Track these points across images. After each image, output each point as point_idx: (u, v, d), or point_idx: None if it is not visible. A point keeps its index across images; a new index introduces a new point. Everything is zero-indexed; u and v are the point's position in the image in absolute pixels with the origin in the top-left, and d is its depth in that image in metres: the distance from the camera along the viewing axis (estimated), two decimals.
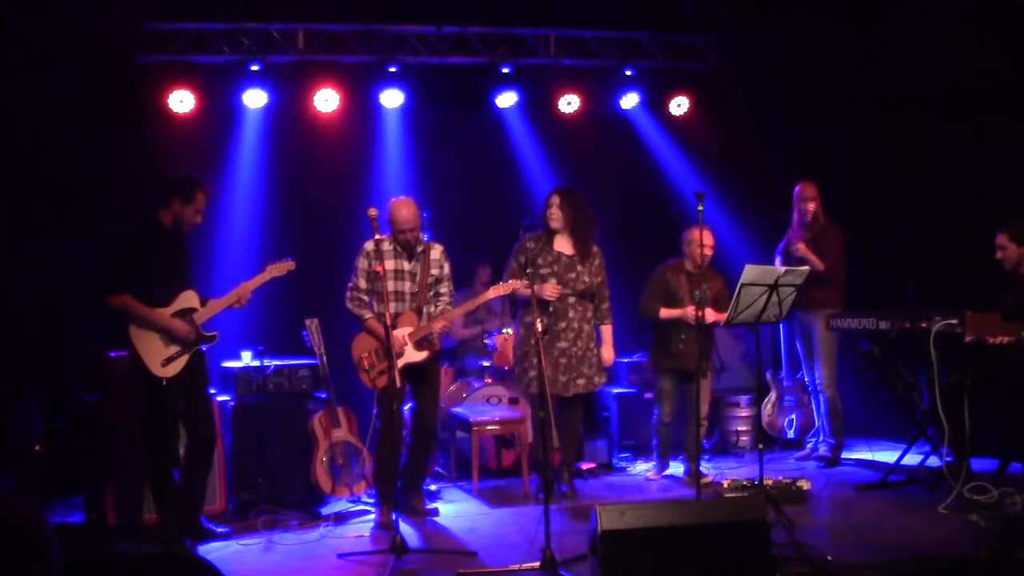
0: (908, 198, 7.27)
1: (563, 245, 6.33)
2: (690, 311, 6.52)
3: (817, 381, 7.14)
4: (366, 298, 5.88)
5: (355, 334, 5.91)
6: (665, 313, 6.64)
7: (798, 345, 7.31)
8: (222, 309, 5.45)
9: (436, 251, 5.98)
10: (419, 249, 5.91)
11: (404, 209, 5.79)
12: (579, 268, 6.29)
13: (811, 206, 7.09)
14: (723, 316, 6.34)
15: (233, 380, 6.28)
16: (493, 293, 5.98)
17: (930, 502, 5.75)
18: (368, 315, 5.86)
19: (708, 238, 6.60)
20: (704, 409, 6.60)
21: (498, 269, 6.92)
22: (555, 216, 6.27)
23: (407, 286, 5.88)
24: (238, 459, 6.20)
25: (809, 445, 7.42)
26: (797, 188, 7.20)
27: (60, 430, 6.24)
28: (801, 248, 6.91)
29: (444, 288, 5.98)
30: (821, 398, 7.17)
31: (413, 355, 5.80)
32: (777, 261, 7.28)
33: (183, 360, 5.30)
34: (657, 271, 6.78)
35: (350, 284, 5.88)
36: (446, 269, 5.99)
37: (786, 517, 5.14)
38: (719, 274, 6.77)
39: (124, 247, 5.36)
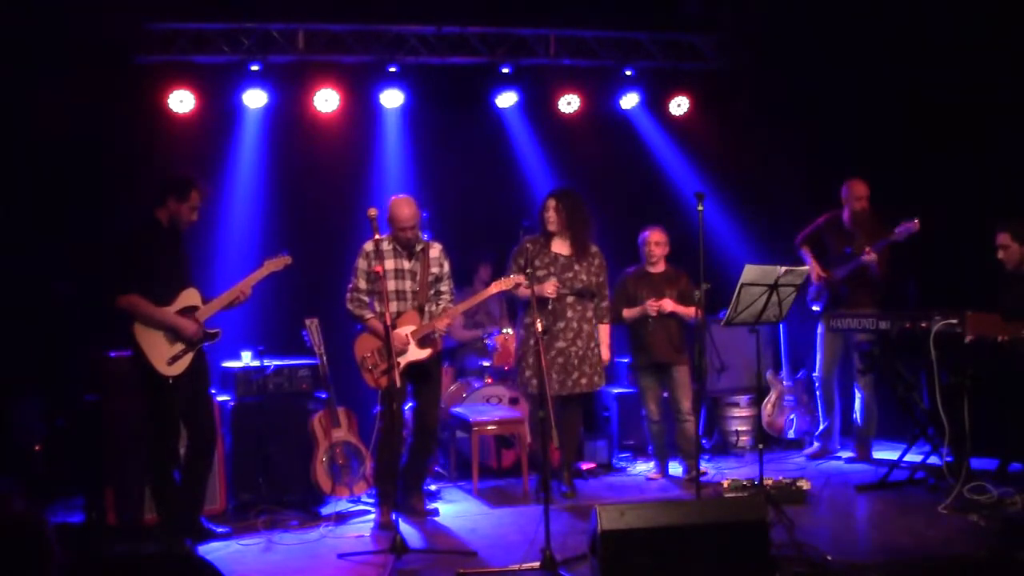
0: (908, 198, 7.26)
1: (560, 246, 6.33)
2: (650, 304, 6.64)
3: (856, 381, 7.13)
4: (366, 299, 5.89)
5: (356, 334, 5.92)
6: (627, 313, 6.75)
7: (822, 338, 7.25)
8: (223, 306, 5.45)
9: (435, 250, 5.98)
10: (418, 248, 5.92)
11: (404, 207, 5.80)
12: (576, 268, 6.30)
13: (863, 205, 7.05)
14: (688, 310, 6.53)
15: (233, 380, 6.28)
16: (495, 288, 5.98)
17: (930, 502, 5.75)
18: (369, 315, 5.87)
19: (658, 235, 6.81)
20: (687, 404, 6.63)
21: (499, 269, 6.93)
22: (552, 220, 6.28)
23: (408, 285, 5.89)
24: (238, 459, 6.20)
25: (816, 444, 7.40)
26: (845, 187, 7.14)
27: (60, 430, 6.23)
28: (874, 258, 6.81)
29: (445, 287, 5.99)
30: (858, 396, 7.15)
31: (416, 353, 5.80)
32: (804, 253, 7.24)
33: (188, 358, 5.29)
34: (620, 280, 6.87)
35: (350, 285, 5.89)
36: (446, 268, 6.00)
37: (786, 517, 5.14)
38: (683, 272, 6.82)
39: (124, 247, 5.36)
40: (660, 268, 6.83)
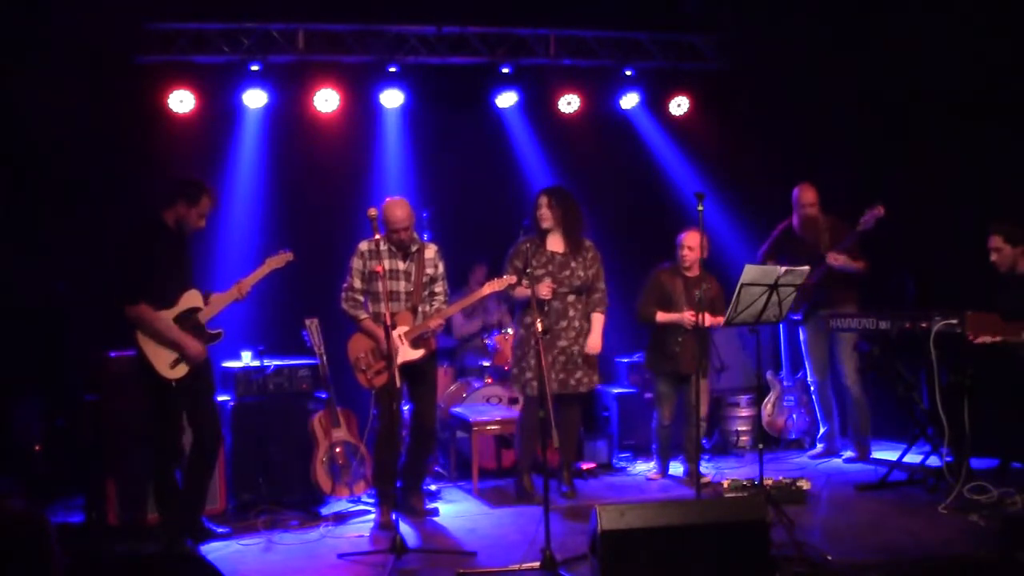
0: (908, 198, 7.27)
1: (555, 244, 6.33)
2: (687, 315, 6.51)
3: (843, 380, 7.14)
4: (361, 298, 5.90)
5: (353, 334, 5.92)
6: (662, 317, 6.63)
7: (806, 344, 7.27)
8: (225, 306, 5.45)
9: (430, 251, 5.99)
10: (414, 249, 5.92)
11: (398, 209, 5.80)
12: (572, 265, 6.29)
13: (813, 211, 7.07)
14: (720, 319, 6.35)
15: (233, 380, 6.28)
16: (488, 289, 5.98)
17: (930, 502, 5.75)
18: (363, 316, 5.88)
19: (692, 239, 6.61)
20: (703, 411, 6.59)
21: (493, 269, 6.92)
22: (545, 216, 6.28)
23: (402, 285, 5.89)
24: (238, 459, 6.20)
25: (821, 446, 7.39)
26: (796, 191, 7.15)
27: (60, 430, 6.24)
28: (840, 260, 6.84)
29: (439, 288, 6.00)
30: (846, 396, 7.17)
31: (409, 354, 5.81)
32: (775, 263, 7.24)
33: None
34: (652, 275, 6.78)
35: (345, 285, 5.90)
36: (440, 268, 6.00)
37: (786, 517, 5.14)
38: (714, 277, 6.74)
39: (129, 251, 5.32)
40: (695, 272, 6.63)
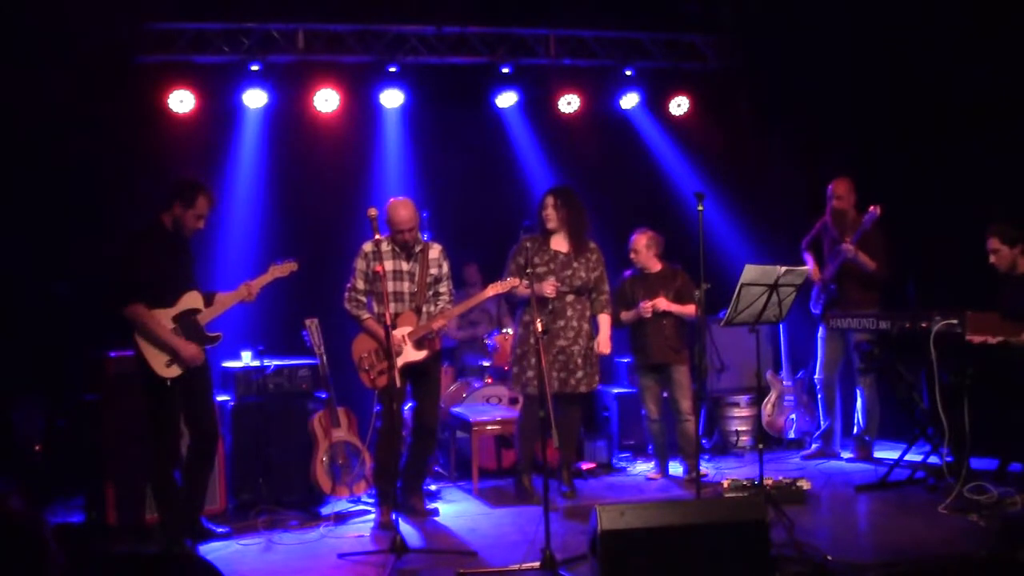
0: (908, 198, 7.27)
1: (559, 244, 6.33)
2: (643, 306, 6.65)
3: (857, 380, 7.13)
4: (364, 299, 5.89)
5: (355, 334, 5.92)
6: (624, 316, 6.75)
7: (824, 339, 7.26)
8: (231, 306, 5.43)
9: (435, 250, 5.98)
10: (417, 249, 5.92)
11: (402, 209, 5.80)
12: (575, 265, 6.29)
13: (841, 204, 7.09)
14: (685, 308, 6.62)
15: (233, 380, 6.28)
16: (491, 291, 5.97)
17: (930, 502, 5.74)
18: (366, 316, 5.87)
19: (636, 243, 6.82)
20: (686, 404, 6.62)
21: (484, 268, 6.93)
22: (551, 216, 6.28)
23: (406, 286, 5.89)
24: (238, 459, 6.20)
25: (815, 446, 7.40)
26: (830, 186, 7.17)
27: (60, 430, 6.24)
28: (852, 250, 6.85)
29: (443, 287, 5.99)
30: (860, 396, 7.16)
31: (412, 354, 5.81)
32: (807, 257, 7.28)
33: None
34: (619, 283, 6.87)
35: (348, 285, 5.89)
36: (445, 268, 6.00)
37: (786, 517, 5.14)
38: (681, 271, 6.84)
39: (127, 253, 5.31)
40: (656, 268, 6.81)
